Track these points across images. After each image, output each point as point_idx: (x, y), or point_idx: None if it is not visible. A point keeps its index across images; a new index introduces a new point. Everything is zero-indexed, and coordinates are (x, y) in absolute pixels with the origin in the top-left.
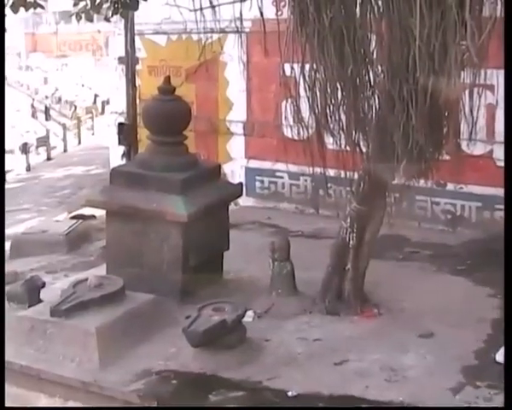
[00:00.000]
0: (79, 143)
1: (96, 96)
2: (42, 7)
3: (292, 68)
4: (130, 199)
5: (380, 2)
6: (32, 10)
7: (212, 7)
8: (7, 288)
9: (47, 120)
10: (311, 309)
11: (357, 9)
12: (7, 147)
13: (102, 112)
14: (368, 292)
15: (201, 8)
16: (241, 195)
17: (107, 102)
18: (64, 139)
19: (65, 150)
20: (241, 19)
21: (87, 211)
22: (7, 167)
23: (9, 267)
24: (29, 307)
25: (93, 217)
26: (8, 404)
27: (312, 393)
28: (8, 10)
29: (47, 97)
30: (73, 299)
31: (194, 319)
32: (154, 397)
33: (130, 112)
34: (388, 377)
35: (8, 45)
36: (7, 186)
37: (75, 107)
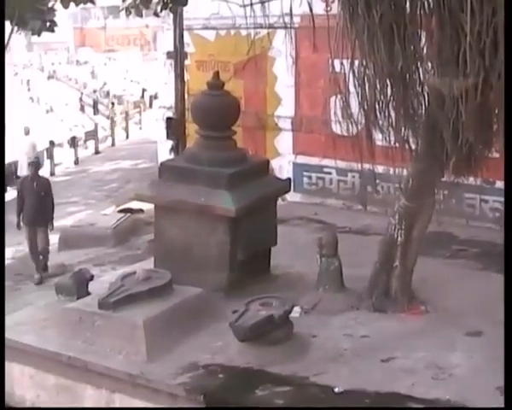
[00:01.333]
0: (127, 137)
1: (143, 90)
2: (92, 2)
3: (341, 64)
4: (179, 193)
5: None
6: (80, 5)
7: (262, 2)
8: (55, 280)
9: (95, 113)
10: (358, 306)
11: (407, 5)
12: (56, 140)
13: (150, 106)
14: (415, 289)
15: (251, 4)
16: (289, 190)
17: (155, 97)
18: (112, 133)
19: (113, 144)
20: (290, 14)
21: (134, 205)
22: (56, 160)
23: (57, 259)
24: (77, 299)
25: (140, 211)
26: (55, 395)
27: (358, 389)
28: (58, 5)
29: (95, 91)
30: (121, 292)
31: (242, 314)
32: (200, 391)
33: (178, 106)
34: (435, 375)
35: (57, 40)
36: (56, 179)
37: (112, 103)
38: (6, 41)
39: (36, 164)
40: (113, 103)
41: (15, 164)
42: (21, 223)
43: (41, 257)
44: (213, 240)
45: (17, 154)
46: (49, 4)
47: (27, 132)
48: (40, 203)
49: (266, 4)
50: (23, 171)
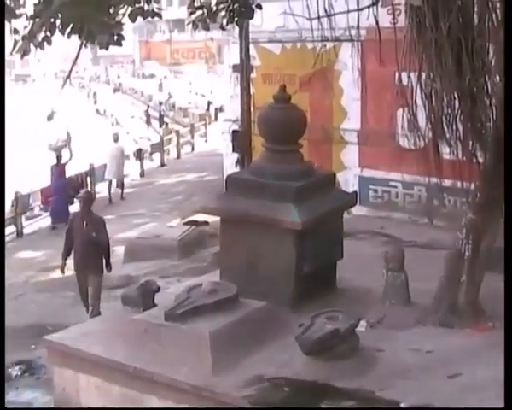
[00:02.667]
0: (192, 149)
1: (209, 103)
2: (159, 16)
3: (408, 77)
4: (245, 206)
5: (498, 11)
6: (147, 19)
7: (329, 16)
8: (122, 291)
9: (161, 126)
10: (424, 320)
11: (475, 18)
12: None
13: (215, 119)
14: (482, 304)
15: (319, 17)
16: (355, 204)
17: (221, 110)
18: (177, 145)
19: (178, 157)
20: (357, 27)
21: (200, 217)
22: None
23: (123, 271)
24: (143, 310)
25: (206, 223)
26: (121, 405)
27: (425, 405)
28: (125, 19)
29: (161, 104)
30: (188, 304)
31: (308, 327)
32: (265, 404)
33: (244, 119)
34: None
35: (123, 53)
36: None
37: (166, 124)
38: (75, 55)
39: (85, 198)
40: (167, 124)
41: (82, 176)
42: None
43: (91, 308)
44: (279, 253)
45: (105, 158)
46: (117, 18)
47: (116, 139)
48: (91, 245)
49: (332, 17)
50: (110, 175)
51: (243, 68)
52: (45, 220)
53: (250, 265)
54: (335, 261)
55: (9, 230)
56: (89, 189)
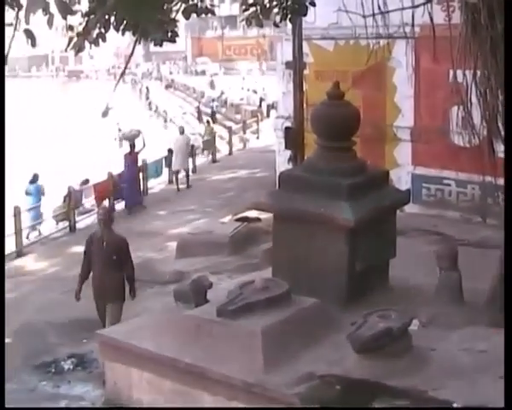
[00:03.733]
0: (244, 146)
1: (261, 99)
2: (213, 13)
3: (463, 75)
4: (298, 203)
5: None
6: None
7: (384, 13)
8: (174, 287)
9: (213, 122)
10: (477, 320)
11: None
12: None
13: (267, 116)
14: None
15: (374, 15)
16: (408, 202)
17: (273, 106)
18: (229, 142)
19: (230, 153)
20: (412, 25)
21: (251, 213)
22: (174, 169)
23: (175, 266)
24: (196, 306)
25: (257, 219)
26: (172, 400)
27: (477, 406)
28: (178, 16)
29: (213, 101)
30: (240, 300)
31: (360, 326)
32: (316, 401)
33: (297, 116)
34: None
35: (175, 50)
36: (174, 187)
37: (208, 122)
38: (130, 52)
39: (105, 216)
40: (208, 121)
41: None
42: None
43: None
44: (331, 251)
45: (173, 149)
46: (171, 15)
47: (182, 131)
48: (111, 269)
49: (386, 14)
50: (176, 165)
51: (296, 65)
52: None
53: (302, 262)
54: (388, 259)
55: (62, 225)
56: (108, 204)
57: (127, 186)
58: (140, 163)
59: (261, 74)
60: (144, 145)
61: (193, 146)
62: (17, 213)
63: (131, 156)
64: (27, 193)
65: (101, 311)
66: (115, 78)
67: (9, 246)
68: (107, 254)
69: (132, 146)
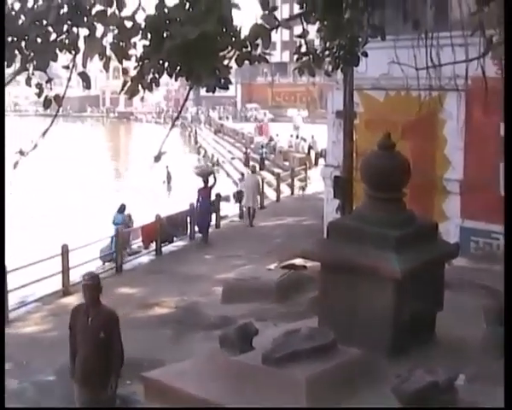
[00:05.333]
0: (292, 193)
1: (310, 147)
2: (266, 60)
3: None
4: (346, 253)
5: None
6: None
7: (437, 66)
8: (219, 332)
9: (261, 169)
10: None
11: None
12: (222, 193)
13: (316, 164)
14: None
15: (427, 68)
16: (457, 255)
17: (321, 155)
18: (277, 189)
19: (277, 200)
20: (466, 78)
21: (298, 261)
22: (222, 213)
23: (220, 311)
24: (241, 352)
25: (304, 267)
26: None
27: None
28: (233, 63)
29: (262, 147)
30: (285, 348)
31: (405, 379)
32: None
33: (346, 166)
34: None
35: (225, 95)
36: (221, 232)
37: (242, 175)
38: (184, 98)
39: (90, 284)
40: (242, 174)
41: (182, 215)
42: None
43: None
44: (378, 302)
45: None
46: (224, 62)
47: (254, 170)
48: (97, 350)
49: (439, 67)
50: (248, 202)
51: (346, 115)
52: (144, 258)
53: (348, 312)
54: (435, 312)
55: (109, 265)
56: (96, 271)
57: (200, 218)
58: (184, 209)
59: (310, 122)
60: (215, 181)
61: (241, 192)
62: (65, 251)
63: (205, 191)
64: (115, 222)
65: (82, 398)
66: (165, 120)
67: (56, 284)
68: (92, 331)
69: (206, 181)
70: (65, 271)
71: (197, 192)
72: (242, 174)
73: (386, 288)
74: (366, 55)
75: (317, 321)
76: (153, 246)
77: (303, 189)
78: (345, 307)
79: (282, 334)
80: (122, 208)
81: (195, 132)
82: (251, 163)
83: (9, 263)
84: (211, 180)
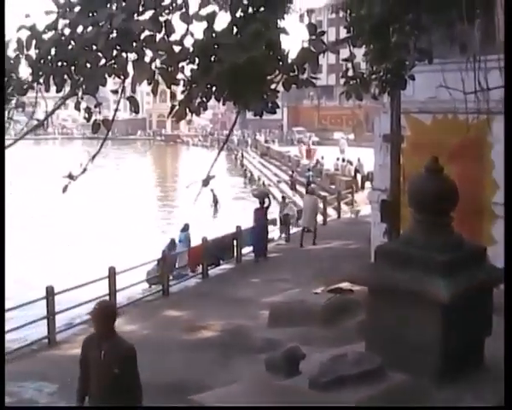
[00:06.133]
0: (338, 216)
1: (356, 170)
2: (314, 84)
3: None
4: (393, 277)
5: None
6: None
7: (485, 90)
8: (265, 355)
9: (307, 192)
10: None
11: None
12: (269, 217)
13: (362, 187)
14: None
15: (476, 92)
16: None
17: (368, 178)
18: (324, 212)
19: (324, 223)
20: None
21: (344, 285)
22: (269, 235)
23: (267, 335)
24: (287, 376)
25: (350, 291)
26: None
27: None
28: (280, 86)
29: (309, 170)
30: (332, 373)
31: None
32: None
33: (393, 189)
34: None
35: (272, 118)
36: (268, 255)
37: (283, 197)
38: (233, 122)
39: (100, 314)
40: (283, 197)
41: (228, 238)
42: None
43: None
44: (425, 327)
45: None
46: (272, 86)
47: (312, 192)
48: (110, 387)
49: (487, 90)
50: (304, 223)
51: (394, 138)
52: (191, 281)
53: (396, 337)
54: (483, 338)
55: (155, 288)
56: (112, 300)
57: (256, 237)
58: (230, 232)
59: (356, 145)
60: (270, 203)
61: (287, 215)
62: (111, 274)
63: (261, 211)
64: (179, 240)
65: None
66: (211, 144)
67: None
68: (105, 367)
69: (262, 203)
70: (111, 293)
71: (253, 213)
72: (284, 198)
73: (433, 313)
74: (413, 78)
75: (364, 346)
76: (199, 269)
77: (356, 213)
78: (392, 332)
79: (328, 359)
80: (186, 227)
81: (242, 155)
82: (311, 185)
83: (57, 284)
84: (266, 201)
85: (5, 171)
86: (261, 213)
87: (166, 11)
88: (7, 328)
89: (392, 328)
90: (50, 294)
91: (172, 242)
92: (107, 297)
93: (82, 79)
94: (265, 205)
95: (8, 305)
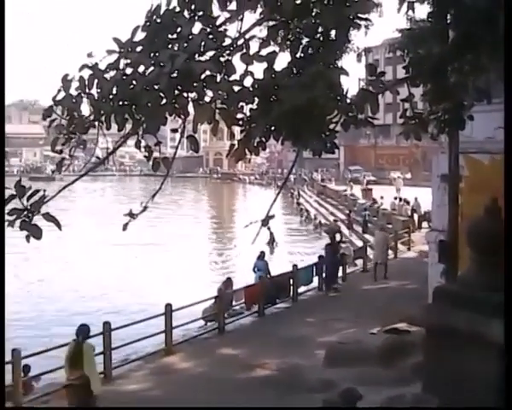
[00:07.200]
0: (395, 256)
1: (413, 210)
2: (373, 125)
3: None
4: (451, 319)
5: None
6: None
7: None
8: (321, 396)
9: (364, 232)
10: None
11: None
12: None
13: (419, 227)
14: None
15: None
16: None
17: (425, 218)
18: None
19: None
20: None
21: (401, 325)
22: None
23: (323, 375)
24: None
25: (407, 332)
26: None
27: None
28: (339, 127)
29: (365, 209)
30: None
31: None
32: None
33: (451, 230)
34: None
35: (328, 157)
36: (321, 292)
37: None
38: (286, 159)
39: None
40: (382, 227)
41: (285, 276)
42: None
43: None
44: (483, 369)
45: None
46: (331, 126)
47: (382, 228)
48: None
49: None
50: (376, 258)
51: (451, 178)
52: (247, 319)
53: (453, 379)
54: None
55: (211, 325)
56: None
57: (328, 270)
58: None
59: (413, 184)
60: (342, 238)
61: (344, 254)
62: (168, 311)
63: (332, 246)
64: (258, 269)
65: None
66: (267, 182)
67: (159, 344)
68: None
69: (333, 238)
70: (167, 330)
71: (324, 248)
72: (341, 237)
73: (492, 355)
74: (472, 118)
75: (420, 387)
76: (255, 307)
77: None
78: (450, 374)
79: (385, 400)
80: (262, 256)
81: (298, 194)
82: (380, 222)
83: (113, 320)
84: (338, 237)
85: (5, 171)
86: (332, 249)
87: (227, 52)
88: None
89: (450, 370)
90: (107, 329)
91: (228, 280)
92: (164, 334)
93: (143, 118)
94: (337, 240)
95: (66, 339)
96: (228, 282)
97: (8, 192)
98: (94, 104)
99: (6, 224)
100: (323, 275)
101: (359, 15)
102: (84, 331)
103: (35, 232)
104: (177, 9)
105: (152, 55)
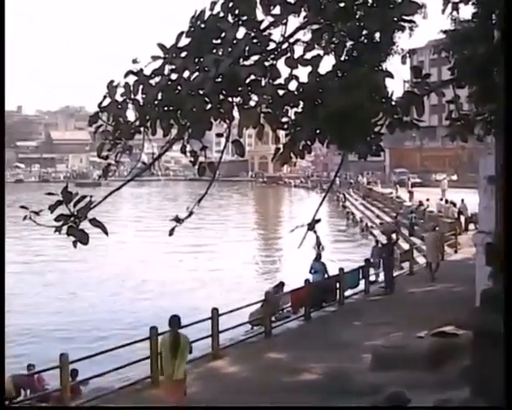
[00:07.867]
0: (442, 258)
1: (459, 212)
2: (418, 127)
3: None
4: (498, 322)
5: None
6: None
7: None
8: (367, 399)
9: (411, 235)
10: None
11: None
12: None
13: (466, 229)
14: None
15: None
16: None
17: (471, 220)
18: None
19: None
20: None
21: (448, 328)
22: (371, 279)
23: (369, 379)
24: None
25: (455, 335)
26: None
27: None
28: (384, 129)
29: (412, 212)
30: None
31: None
32: None
33: (499, 232)
34: None
35: (374, 159)
36: (369, 298)
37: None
38: (337, 167)
39: None
40: (433, 227)
41: (331, 280)
42: None
43: None
44: None
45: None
46: (376, 129)
47: (433, 228)
48: None
49: None
50: (429, 258)
51: (499, 180)
52: (293, 322)
53: (502, 382)
54: None
55: (257, 329)
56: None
57: (385, 272)
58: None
59: (459, 186)
60: (393, 240)
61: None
62: (215, 315)
63: (387, 247)
64: (315, 271)
65: None
66: (312, 185)
67: (206, 348)
68: None
69: (389, 239)
70: (214, 335)
71: (379, 249)
72: (377, 241)
73: None
74: None
75: (468, 391)
76: (302, 311)
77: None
78: (498, 378)
79: (436, 402)
80: (318, 257)
81: (344, 197)
82: (431, 223)
83: (160, 324)
84: (393, 237)
85: (4, 171)
86: (388, 250)
87: (272, 56)
88: (110, 367)
89: (499, 373)
90: (154, 334)
91: (280, 283)
92: (210, 338)
93: (188, 123)
94: (393, 241)
95: (111, 344)
96: (279, 285)
97: (55, 198)
98: (139, 110)
99: (53, 230)
100: (382, 275)
101: (404, 17)
102: (176, 322)
103: (82, 238)
104: (221, 14)
105: (197, 60)
